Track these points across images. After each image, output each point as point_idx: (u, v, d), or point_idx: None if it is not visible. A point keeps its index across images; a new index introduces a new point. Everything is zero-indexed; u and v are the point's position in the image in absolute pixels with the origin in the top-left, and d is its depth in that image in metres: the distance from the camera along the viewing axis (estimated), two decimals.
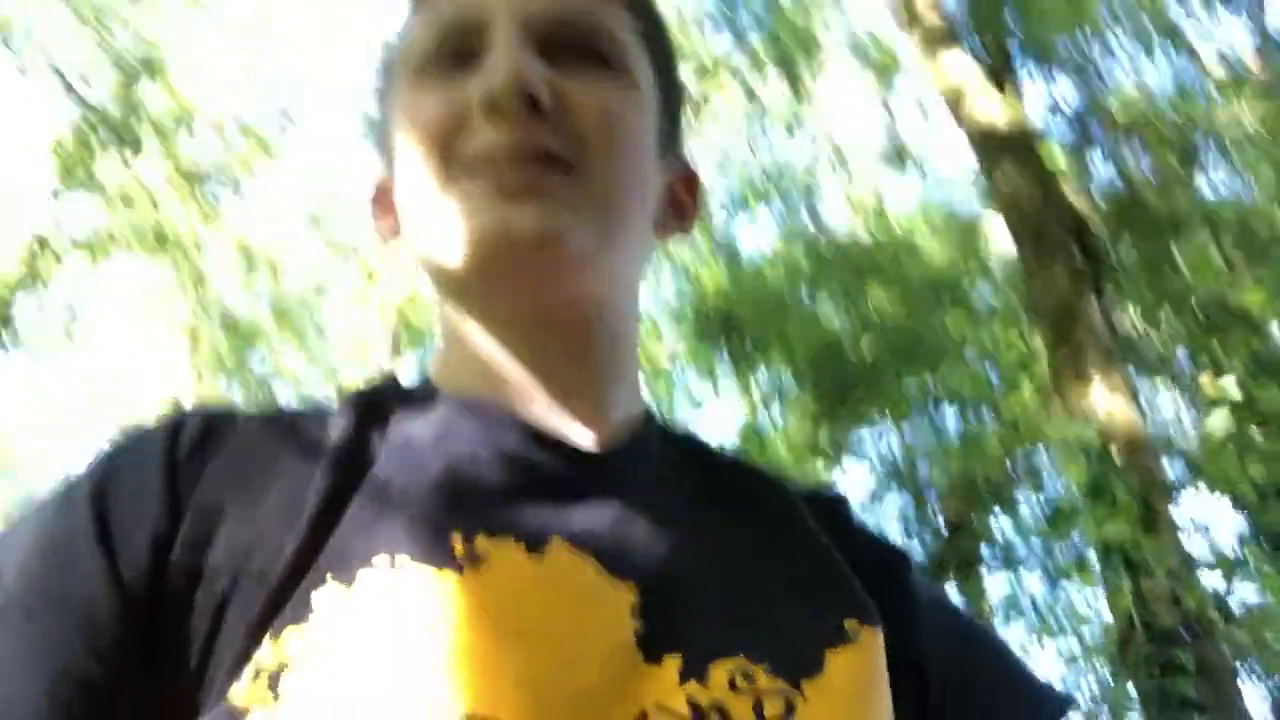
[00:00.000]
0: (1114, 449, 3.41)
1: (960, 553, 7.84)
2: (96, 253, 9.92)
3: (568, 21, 0.56)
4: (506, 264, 0.52)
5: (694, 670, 0.46)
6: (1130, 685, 3.15)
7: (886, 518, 8.51)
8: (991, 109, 4.71)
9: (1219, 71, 5.54)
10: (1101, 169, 6.19)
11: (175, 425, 0.52)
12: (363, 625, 0.43)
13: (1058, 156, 5.09)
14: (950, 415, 7.94)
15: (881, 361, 7.69)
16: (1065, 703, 0.60)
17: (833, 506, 0.61)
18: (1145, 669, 2.99)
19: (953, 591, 8.06)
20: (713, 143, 10.92)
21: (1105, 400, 3.46)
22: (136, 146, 10.01)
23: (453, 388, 0.56)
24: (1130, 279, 5.74)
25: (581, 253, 0.53)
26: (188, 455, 0.50)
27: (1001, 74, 5.61)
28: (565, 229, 0.52)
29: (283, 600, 0.44)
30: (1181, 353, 5.28)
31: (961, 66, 5.04)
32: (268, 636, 0.43)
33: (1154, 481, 3.28)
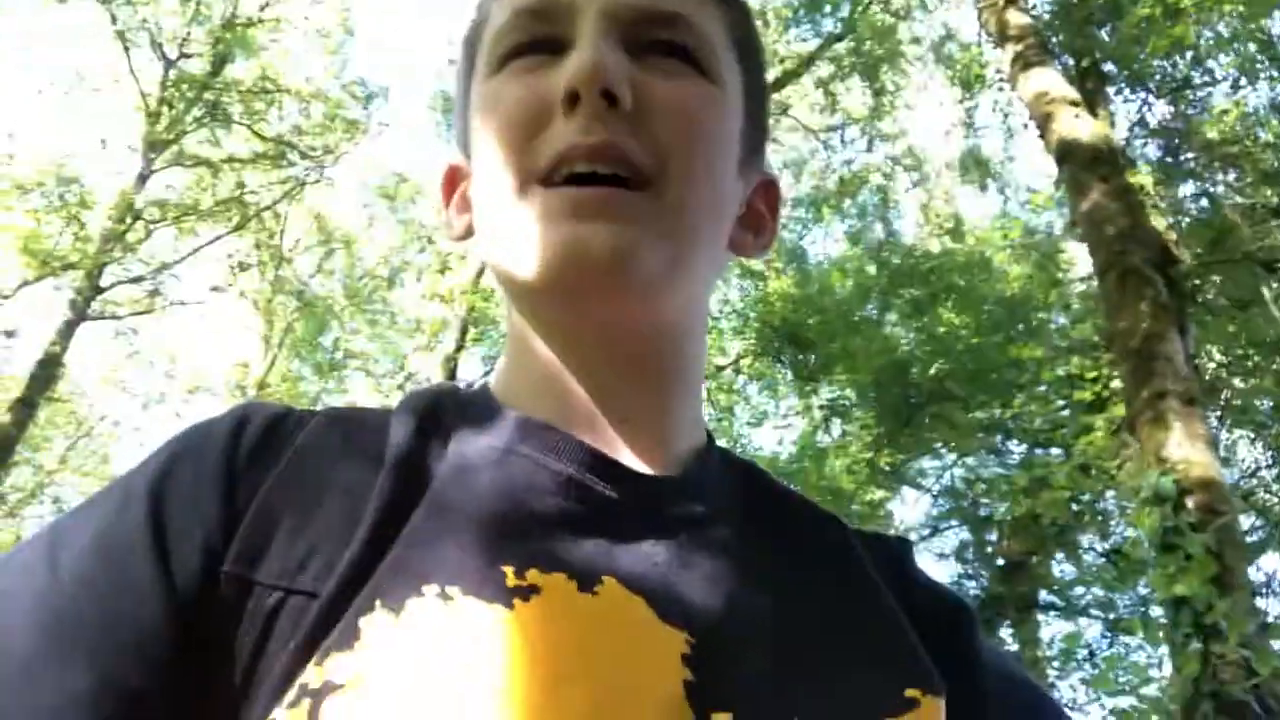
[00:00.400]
0: (1190, 501, 3.25)
1: (1017, 594, 7.63)
2: (182, 224, 10.22)
3: (657, 14, 0.54)
4: (577, 282, 0.51)
5: None
6: None
7: (944, 550, 8.35)
8: (1080, 128, 4.54)
9: None
10: (1192, 198, 5.96)
11: (237, 427, 0.51)
12: (409, 656, 0.42)
13: (1147, 182, 4.89)
14: (1018, 449, 7.73)
15: (949, 386, 7.51)
16: None
17: (895, 551, 0.58)
18: None
19: (1006, 632, 7.86)
20: (788, 145, 10.81)
21: (1183, 448, 3.29)
22: (226, 119, 10.29)
23: (514, 404, 0.55)
24: (1217, 318, 5.50)
25: (653, 275, 0.51)
26: (247, 460, 0.50)
27: (1093, 94, 5.41)
28: (639, 250, 0.50)
29: (332, 620, 0.43)
30: (1266, 402, 5.04)
31: (1052, 82, 4.86)
32: (313, 661, 0.42)
33: (1231, 539, 3.11)
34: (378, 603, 0.43)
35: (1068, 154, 4.57)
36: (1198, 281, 5.04)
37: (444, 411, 0.54)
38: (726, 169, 0.56)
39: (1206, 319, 5.44)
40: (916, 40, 9.92)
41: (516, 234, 0.52)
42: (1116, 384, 4.59)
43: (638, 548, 0.49)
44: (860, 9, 9.35)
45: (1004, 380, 6.62)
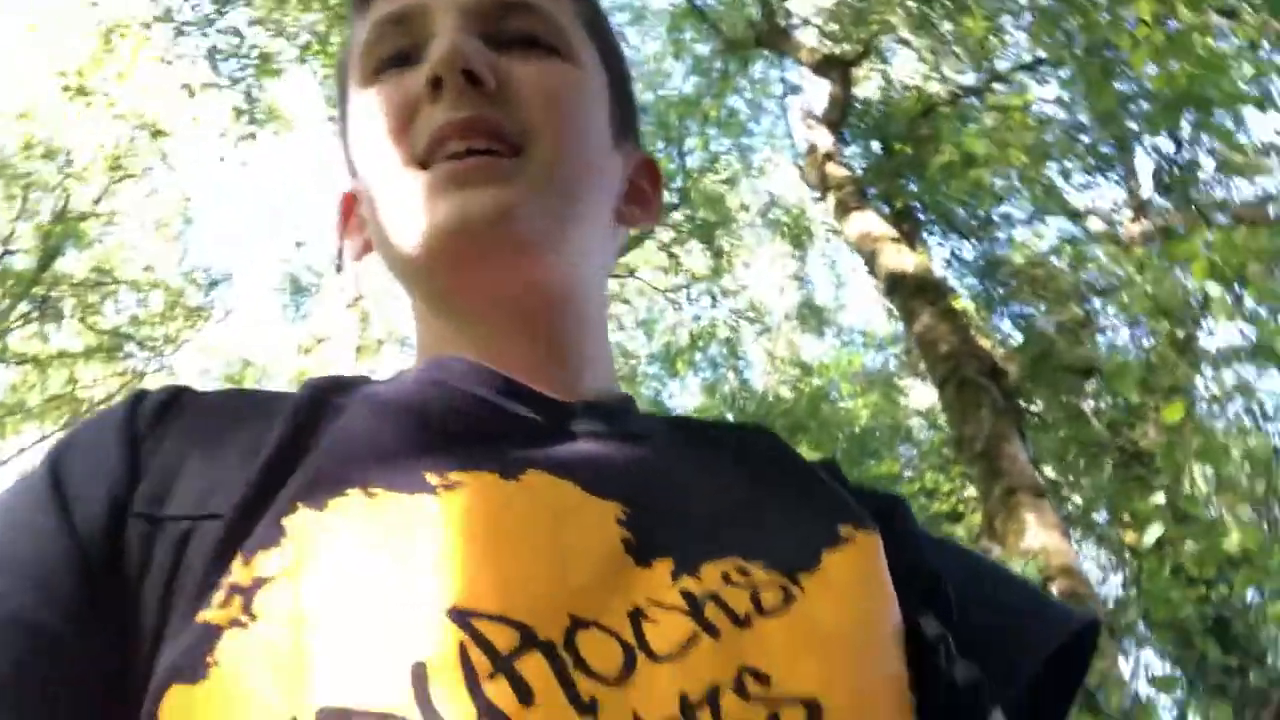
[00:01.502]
0: (1054, 588, 3.42)
1: None
2: (5, 424, 9.56)
3: (508, 5, 0.57)
4: (465, 247, 0.52)
5: (686, 569, 0.45)
6: None
7: None
8: (904, 260, 4.97)
9: (1101, 229, 5.96)
10: (1008, 324, 6.52)
11: (136, 397, 0.52)
12: (339, 542, 0.42)
13: (969, 308, 5.35)
14: None
15: None
16: (1090, 619, 0.56)
17: (827, 466, 0.60)
18: None
19: None
20: (638, 306, 11.24)
21: (1040, 537, 3.50)
22: (56, 314, 9.84)
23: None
24: (1048, 429, 5.94)
25: (536, 233, 0.53)
26: (149, 422, 0.50)
27: (909, 235, 5.95)
28: (518, 209, 0.52)
29: (239, 531, 0.43)
30: (1099, 508, 5.42)
31: (873, 223, 5.34)
32: (238, 562, 0.42)
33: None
34: (299, 505, 0.44)
35: (896, 285, 4.98)
36: (1026, 397, 5.48)
37: (352, 381, 0.55)
38: (598, 139, 0.59)
39: (1040, 434, 5.86)
40: (745, 207, 10.68)
41: (401, 214, 0.54)
42: (970, 493, 4.85)
43: (561, 447, 0.50)
44: (691, 180, 10.04)
45: None
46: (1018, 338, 6.18)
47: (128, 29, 6.68)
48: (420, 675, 0.37)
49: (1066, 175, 6.20)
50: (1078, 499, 5.21)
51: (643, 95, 9.45)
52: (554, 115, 0.55)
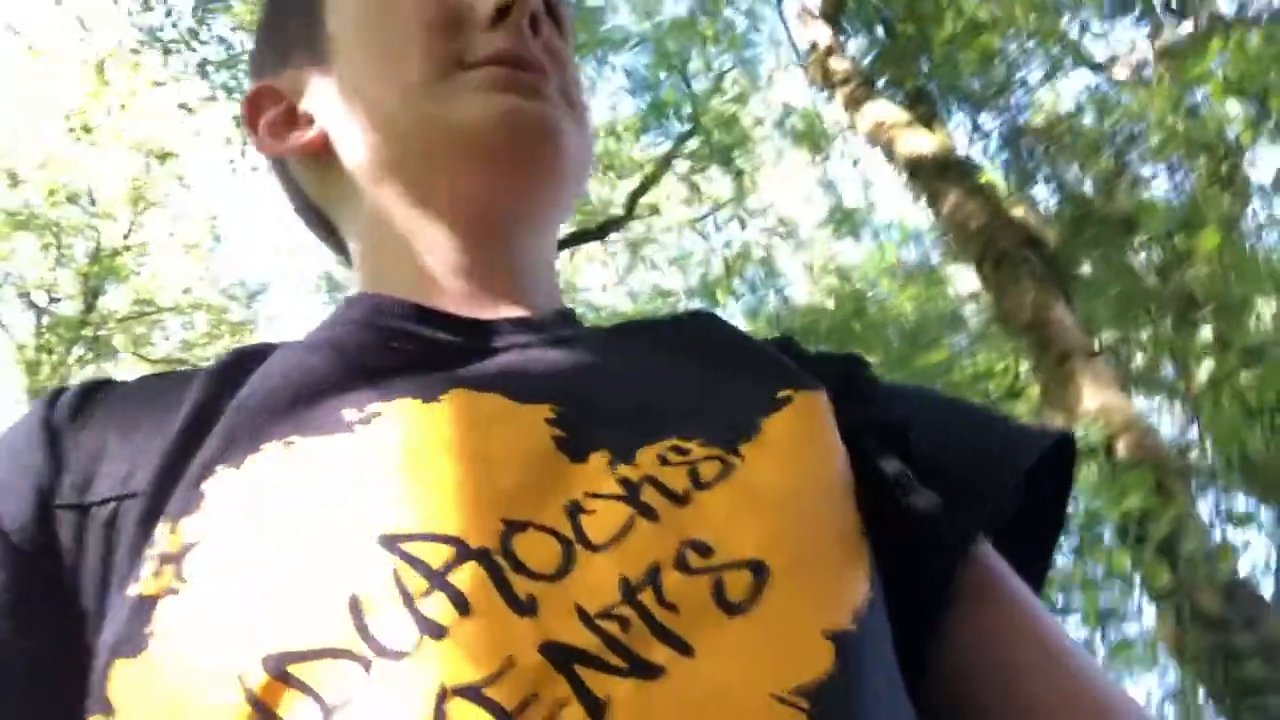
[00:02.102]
0: (1120, 446, 3.35)
1: None
2: None
3: None
4: (520, 134, 0.54)
5: (622, 458, 0.44)
6: (1198, 682, 3.00)
7: None
8: (922, 144, 4.84)
9: (1127, 76, 5.72)
10: (1044, 189, 6.33)
11: (53, 394, 0.53)
12: (260, 491, 0.42)
13: (995, 179, 5.20)
14: None
15: None
16: (1063, 434, 0.54)
17: (781, 341, 0.59)
18: (1205, 663, 2.86)
19: None
20: (668, 244, 11.16)
21: (1097, 398, 3.42)
22: (110, 350, 10.13)
23: None
24: (1098, 291, 5.79)
25: (574, 153, 0.57)
26: (67, 416, 0.51)
27: (926, 117, 5.78)
28: (567, 132, 0.56)
29: (160, 502, 0.43)
30: (1162, 360, 5.27)
31: (885, 111, 5.20)
32: (164, 530, 0.42)
33: (1167, 464, 3.21)
34: (218, 467, 0.44)
35: (917, 169, 4.86)
36: (1070, 262, 5.33)
37: (275, 343, 0.55)
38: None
39: (1093, 298, 5.71)
40: (759, 122, 10.48)
41: (442, 106, 0.55)
42: (1026, 368, 4.77)
43: (483, 364, 0.50)
44: (700, 106, 9.86)
45: None
46: (1054, 204, 6.01)
47: (116, 56, 6.72)
48: (356, 606, 0.37)
49: (1085, 27, 5.95)
50: (1140, 356, 5.09)
51: (638, 26, 9.28)
52: (569, 80, 0.59)
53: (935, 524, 0.46)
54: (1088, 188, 5.78)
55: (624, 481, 0.42)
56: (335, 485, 0.41)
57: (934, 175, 4.70)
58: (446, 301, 0.54)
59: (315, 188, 0.62)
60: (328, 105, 0.59)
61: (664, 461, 0.43)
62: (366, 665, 0.35)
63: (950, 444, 0.52)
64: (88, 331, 10.12)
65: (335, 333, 0.53)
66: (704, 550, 0.40)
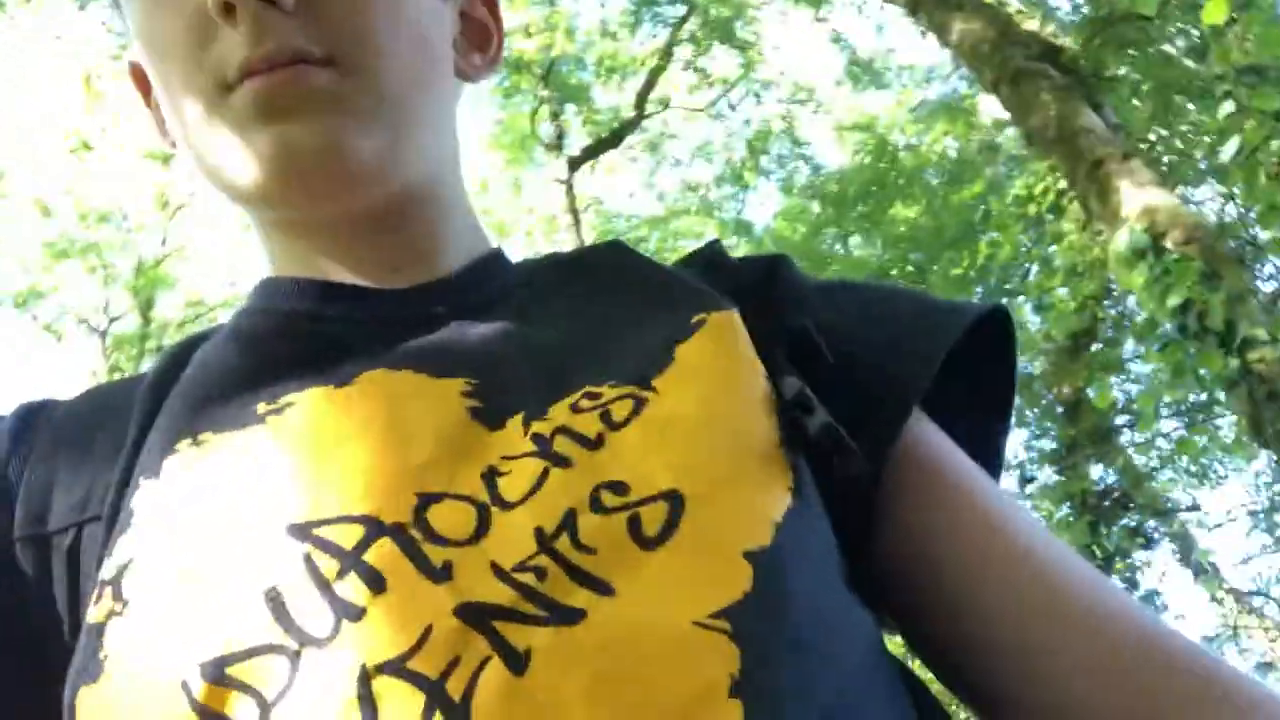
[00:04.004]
0: (1169, 243, 3.24)
1: (1088, 429, 7.53)
2: None
3: None
4: (293, 184, 0.48)
5: (535, 416, 0.43)
6: None
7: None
8: None
9: None
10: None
11: None
12: (178, 497, 0.42)
13: None
14: (1016, 297, 7.69)
15: (930, 268, 7.52)
16: (989, 307, 0.52)
17: (706, 254, 0.57)
18: None
19: (1098, 468, 7.74)
20: (685, 136, 10.94)
21: (1137, 198, 3.29)
22: None
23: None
24: (1136, 92, 5.52)
25: (370, 158, 0.48)
26: (8, 448, 0.50)
27: None
28: (345, 139, 0.47)
29: (114, 524, 0.44)
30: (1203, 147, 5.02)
31: None
32: (105, 555, 0.42)
33: (1216, 250, 3.09)
34: (141, 479, 0.44)
35: (918, 2, 4.64)
36: (1098, 64, 5.07)
37: (202, 337, 0.53)
38: (421, 12, 0.52)
39: (1129, 104, 5.45)
40: None
41: (216, 152, 0.49)
42: (1064, 185, 4.60)
43: (400, 342, 0.48)
44: None
45: (966, 228, 6.62)
46: (1074, 10, 5.70)
47: (101, 69, 6.74)
48: (275, 598, 0.37)
49: None
50: (1180, 145, 4.87)
51: None
52: (369, 18, 0.48)
53: (832, 442, 0.44)
54: None
55: (536, 437, 0.42)
56: (248, 480, 0.41)
57: (935, 4, 4.48)
58: (351, 274, 0.52)
59: None
60: (165, 113, 0.54)
61: (576, 410, 0.43)
62: (294, 656, 0.36)
63: (869, 338, 0.50)
64: (150, 343, 10.41)
65: (245, 322, 0.52)
66: (619, 489, 0.39)
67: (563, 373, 0.46)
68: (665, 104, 10.33)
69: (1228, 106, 3.06)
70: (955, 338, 0.49)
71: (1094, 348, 6.76)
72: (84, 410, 0.52)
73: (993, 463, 0.53)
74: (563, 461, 0.41)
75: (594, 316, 0.50)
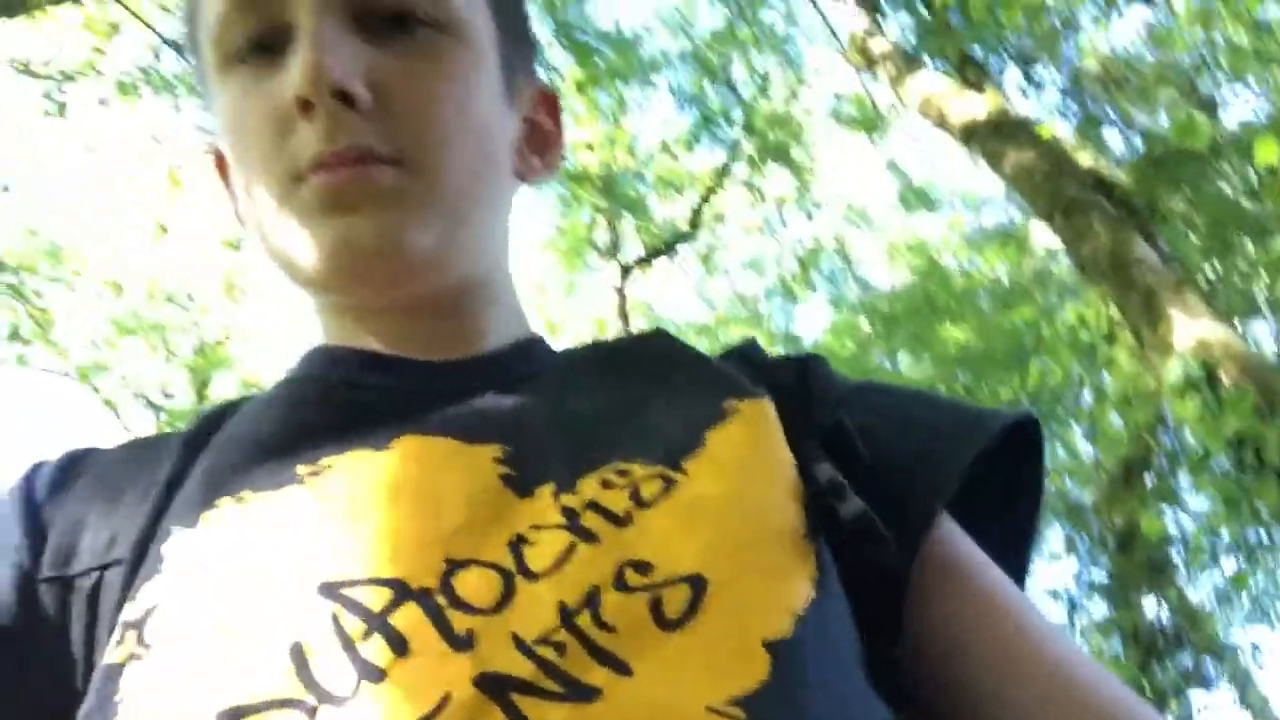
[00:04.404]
0: (1223, 375, 3.22)
1: (1141, 562, 7.30)
2: None
3: None
4: (352, 274, 0.51)
5: (566, 488, 0.44)
6: None
7: (1055, 552, 8.00)
8: (973, 107, 4.75)
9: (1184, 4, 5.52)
10: (1112, 133, 6.13)
11: (32, 469, 0.53)
12: (213, 550, 0.43)
13: (1057, 131, 5.07)
14: (1068, 423, 7.59)
15: (979, 388, 7.48)
16: (1021, 414, 0.53)
17: (742, 349, 0.59)
18: None
19: (1151, 602, 7.45)
20: (738, 250, 11.15)
21: (1190, 329, 3.30)
22: None
23: None
24: (1191, 226, 5.56)
25: (427, 253, 0.51)
26: (48, 488, 0.51)
27: (977, 82, 5.68)
28: (405, 234, 0.50)
29: (138, 568, 0.45)
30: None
31: (931, 83, 5.13)
32: (128, 598, 0.43)
33: (1273, 383, 3.06)
34: (175, 529, 0.44)
35: (973, 134, 4.77)
36: (1153, 200, 5.14)
37: (240, 400, 0.56)
38: (488, 117, 0.55)
39: (1185, 234, 5.48)
40: (810, 114, 10.42)
41: (284, 237, 0.52)
42: (1117, 315, 4.61)
43: (437, 409, 0.49)
44: (750, 109, 9.86)
45: (1017, 352, 6.59)
46: (1128, 148, 5.81)
47: (185, 161, 7.11)
48: (299, 654, 0.37)
49: None
50: (1237, 281, 4.87)
51: (676, 42, 9.36)
52: (440, 124, 0.51)
53: (865, 530, 0.46)
54: (1160, 122, 5.59)
55: (566, 510, 0.42)
56: (283, 538, 0.42)
57: (990, 136, 4.61)
58: (398, 347, 0.54)
59: None
60: (239, 195, 0.57)
61: (606, 485, 0.43)
62: (311, 712, 0.36)
63: (902, 438, 0.51)
64: None
65: (291, 389, 0.54)
66: (643, 568, 0.40)
67: (594, 445, 0.46)
68: (720, 217, 10.61)
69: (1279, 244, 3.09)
70: (986, 442, 0.50)
71: (1147, 478, 6.62)
72: (120, 459, 0.53)
73: (1019, 570, 0.53)
74: (590, 537, 0.41)
75: (628, 393, 0.51)
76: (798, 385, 0.53)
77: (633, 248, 10.27)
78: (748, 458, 0.46)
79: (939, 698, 0.47)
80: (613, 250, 10.08)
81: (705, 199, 10.26)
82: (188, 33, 0.58)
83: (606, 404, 0.50)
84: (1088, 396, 6.33)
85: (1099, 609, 7.06)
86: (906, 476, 0.49)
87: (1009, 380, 6.31)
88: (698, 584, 0.39)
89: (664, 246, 10.21)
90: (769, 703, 0.36)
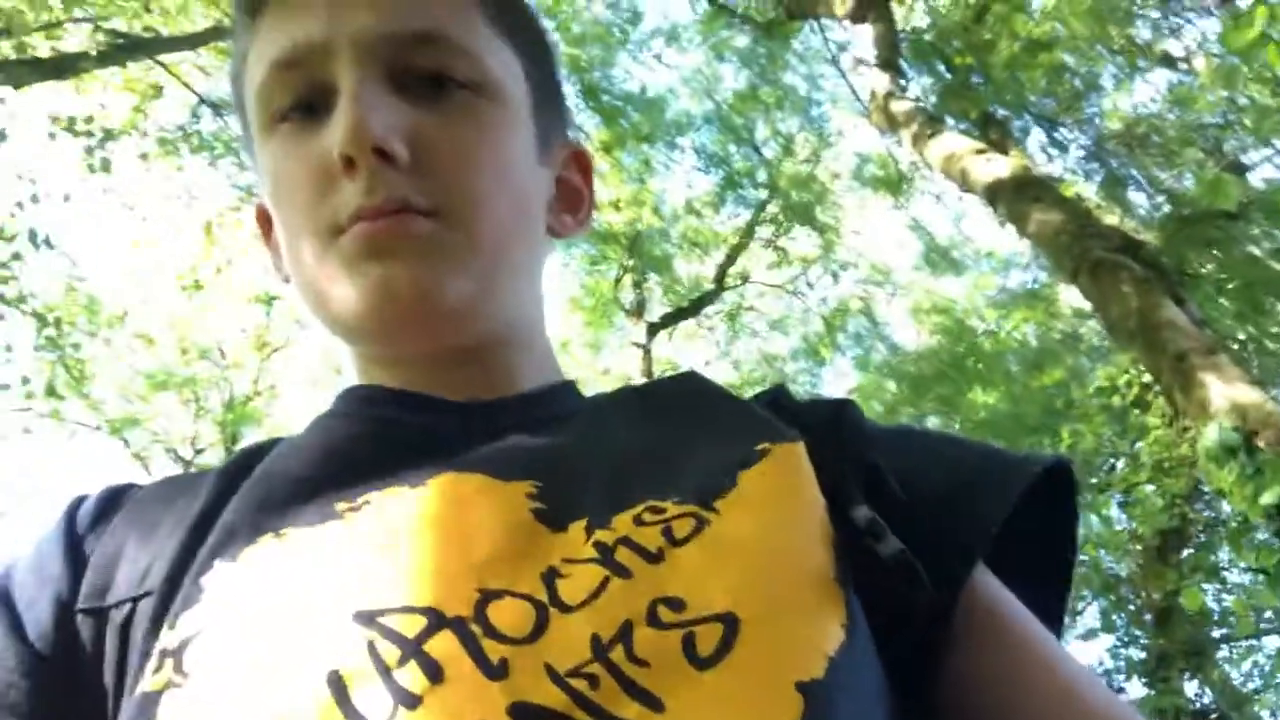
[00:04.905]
0: (1260, 441, 3.14)
1: (1182, 640, 7.07)
2: None
3: (410, 37, 0.53)
4: (390, 320, 0.52)
5: (599, 524, 0.44)
6: None
7: (1092, 628, 7.75)
8: (996, 167, 4.74)
9: (1204, 67, 5.52)
10: (1137, 194, 6.10)
11: (75, 504, 0.54)
12: (252, 584, 0.44)
13: (1081, 191, 5.05)
14: (1103, 492, 7.43)
15: None
16: (1055, 459, 0.52)
17: (773, 393, 0.58)
18: None
19: (1191, 685, 7.19)
20: (762, 310, 11.15)
21: (1225, 395, 3.22)
22: None
23: None
24: (1220, 289, 5.49)
25: (462, 302, 0.52)
26: (88, 522, 0.53)
27: (999, 142, 5.69)
28: (442, 283, 0.51)
29: (170, 603, 0.45)
30: None
31: (954, 143, 5.13)
32: (166, 628, 0.43)
33: None
34: (216, 562, 0.45)
35: (996, 194, 4.75)
36: (1181, 261, 5.09)
37: (275, 440, 0.56)
38: (522, 175, 0.56)
39: (1214, 304, 5.42)
40: (836, 175, 10.50)
41: (324, 287, 0.53)
42: (1148, 379, 4.53)
43: (470, 448, 0.50)
44: (774, 170, 9.96)
45: (1047, 416, 6.49)
46: (1153, 209, 5.78)
47: (222, 220, 7.25)
48: (336, 681, 0.38)
49: (1157, 27, 5.80)
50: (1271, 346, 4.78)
51: (701, 106, 9.50)
52: (476, 179, 0.53)
53: (900, 570, 0.45)
54: (1186, 183, 5.55)
55: (599, 545, 0.43)
56: (322, 571, 0.43)
57: (1014, 196, 4.59)
58: (435, 388, 0.55)
59: None
60: (283, 250, 0.58)
61: (640, 523, 0.44)
62: None
63: (938, 481, 0.50)
64: None
65: (330, 426, 0.54)
66: (676, 605, 0.40)
67: (628, 482, 0.47)
68: (745, 278, 10.65)
69: None
70: (1027, 482, 0.49)
71: (1185, 552, 6.44)
72: (157, 494, 0.55)
73: (1054, 622, 0.52)
74: (623, 572, 0.41)
75: (661, 433, 0.52)
76: (830, 428, 0.53)
77: (658, 307, 10.31)
78: (780, 499, 0.46)
79: None
80: (638, 309, 10.11)
81: (731, 259, 10.30)
82: (233, 92, 0.60)
83: (639, 443, 0.51)
84: (1121, 464, 6.21)
85: (1135, 688, 6.82)
86: (945, 519, 0.48)
87: (1039, 445, 6.21)
88: (730, 623, 0.39)
89: (689, 306, 10.23)
90: None
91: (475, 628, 0.39)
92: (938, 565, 0.46)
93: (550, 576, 0.41)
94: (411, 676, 0.37)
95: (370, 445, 0.51)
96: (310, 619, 0.41)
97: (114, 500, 0.54)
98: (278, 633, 0.41)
